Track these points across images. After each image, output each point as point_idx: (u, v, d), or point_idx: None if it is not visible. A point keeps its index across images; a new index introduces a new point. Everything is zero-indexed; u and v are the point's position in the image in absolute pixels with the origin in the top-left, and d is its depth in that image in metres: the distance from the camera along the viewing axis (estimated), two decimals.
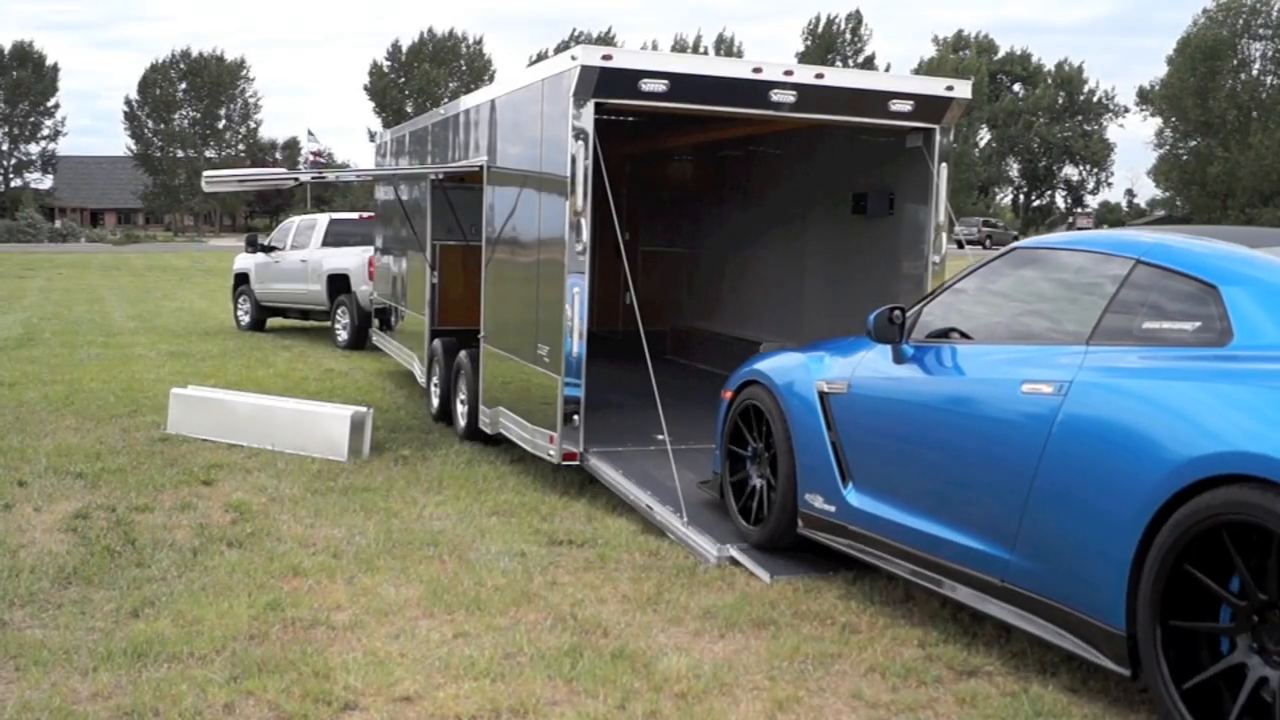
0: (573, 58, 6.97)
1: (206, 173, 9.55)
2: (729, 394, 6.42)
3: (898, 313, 5.13)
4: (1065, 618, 4.11)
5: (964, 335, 5.01)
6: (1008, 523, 4.36)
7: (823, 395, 5.55)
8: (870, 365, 5.34)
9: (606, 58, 6.93)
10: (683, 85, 7.07)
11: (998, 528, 4.42)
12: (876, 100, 7.45)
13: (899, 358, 5.15)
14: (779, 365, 6.00)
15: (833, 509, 5.44)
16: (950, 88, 7.57)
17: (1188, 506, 3.60)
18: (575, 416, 7.16)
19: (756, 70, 7.19)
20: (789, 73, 7.26)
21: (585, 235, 7.08)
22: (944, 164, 7.67)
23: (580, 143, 6.96)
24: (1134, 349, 4.11)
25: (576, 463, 7.26)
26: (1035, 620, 4.26)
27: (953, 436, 4.70)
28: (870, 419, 5.26)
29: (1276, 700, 3.38)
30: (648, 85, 6.98)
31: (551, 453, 7.27)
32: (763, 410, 5.99)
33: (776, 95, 7.23)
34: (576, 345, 7.10)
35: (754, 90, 7.20)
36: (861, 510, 5.25)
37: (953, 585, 4.70)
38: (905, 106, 7.46)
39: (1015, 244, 5.20)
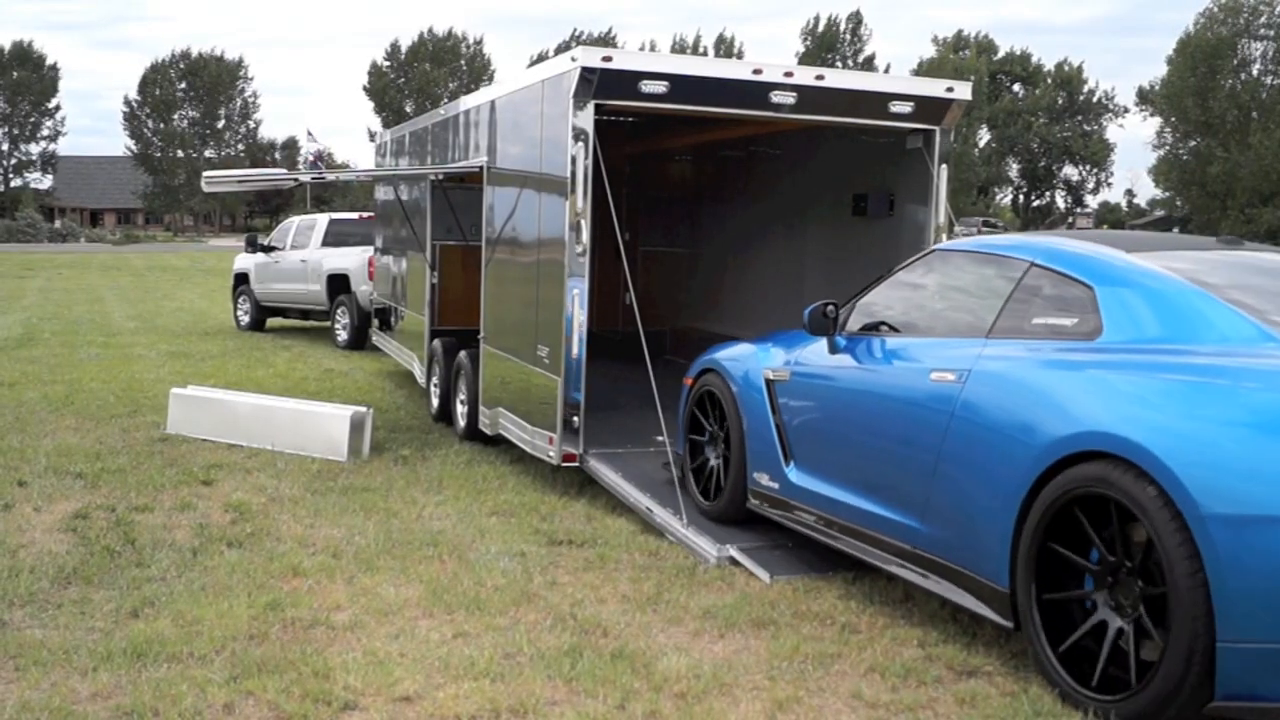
0: (573, 59, 6.97)
1: (206, 173, 9.54)
2: (689, 380, 6.89)
3: (831, 308, 5.64)
4: (963, 579, 4.64)
5: (893, 328, 5.47)
6: (918, 496, 4.87)
7: (769, 382, 6.05)
8: (809, 355, 5.83)
9: (606, 59, 6.93)
10: (682, 86, 7.07)
11: (911, 500, 4.93)
12: (876, 102, 7.46)
13: (833, 349, 5.66)
14: (732, 355, 6.51)
15: (777, 486, 5.94)
16: (950, 89, 7.57)
17: (1057, 479, 4.11)
18: (575, 418, 7.16)
19: (756, 72, 7.20)
20: (789, 74, 7.26)
21: (585, 237, 7.08)
22: (944, 165, 7.68)
23: (580, 144, 6.97)
24: (1024, 341, 4.62)
25: (576, 464, 7.26)
26: (940, 582, 4.77)
27: (875, 419, 5.22)
28: (808, 404, 5.80)
29: (1137, 639, 3.94)
30: (647, 86, 6.98)
31: (551, 454, 7.27)
32: (718, 396, 6.48)
33: (776, 97, 7.23)
34: (576, 347, 7.11)
35: (754, 92, 7.20)
36: (801, 487, 5.74)
37: (876, 554, 5.18)
38: (905, 108, 7.47)
39: (935, 246, 5.77)
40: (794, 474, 5.80)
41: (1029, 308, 4.73)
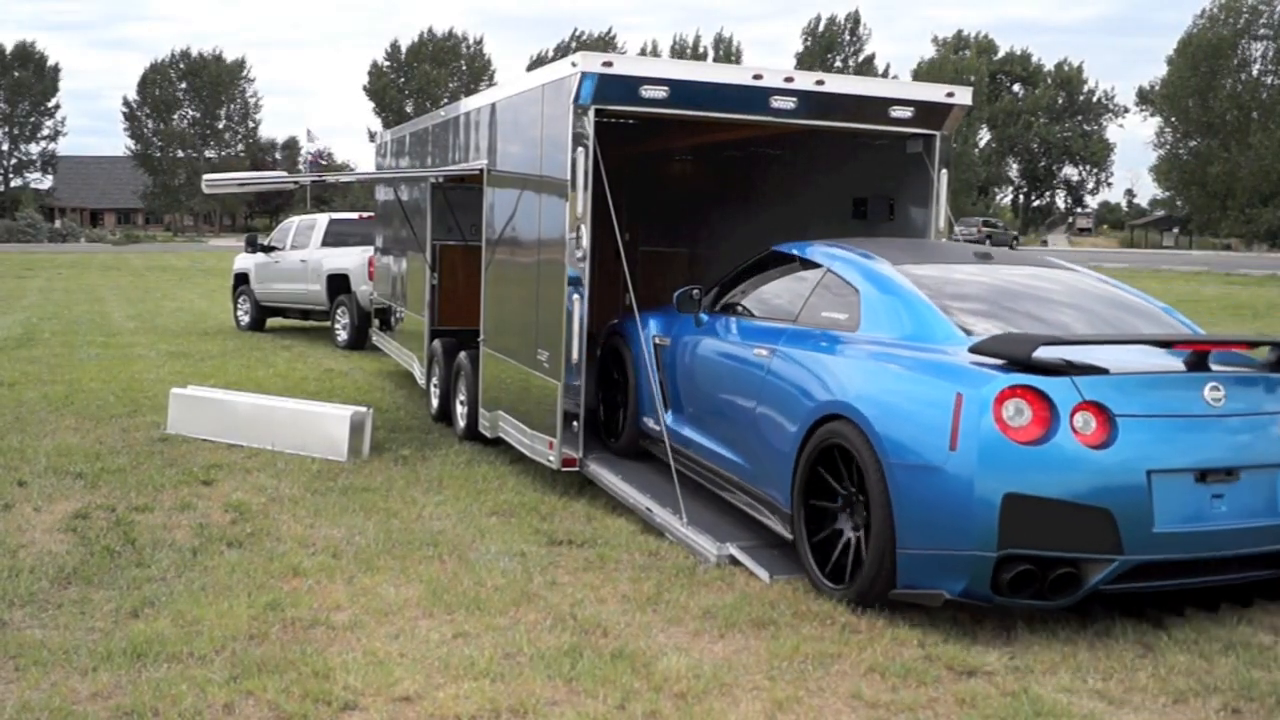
0: (573, 64, 6.97)
1: (206, 176, 9.50)
2: (602, 341, 8.26)
3: (696, 291, 6.99)
4: (767, 504, 5.97)
5: (743, 309, 6.77)
6: (744, 440, 6.22)
7: (656, 346, 7.44)
8: (684, 327, 7.17)
9: (607, 64, 6.93)
10: (682, 92, 7.07)
11: (740, 443, 6.27)
12: (877, 106, 7.46)
13: (697, 324, 7.00)
14: (631, 323, 7.74)
15: (658, 429, 7.22)
16: (951, 94, 7.57)
17: (818, 432, 5.46)
18: (575, 422, 7.17)
19: (757, 77, 7.19)
20: (789, 79, 7.26)
21: (585, 242, 7.09)
22: (944, 170, 7.68)
23: (580, 148, 6.97)
24: (814, 330, 5.95)
25: (576, 469, 7.27)
26: (755, 506, 6.13)
27: (720, 380, 6.57)
28: (680, 365, 7.13)
29: (860, 546, 5.25)
30: (648, 91, 6.99)
31: (551, 458, 7.27)
32: (621, 355, 7.87)
33: (777, 102, 7.23)
34: (576, 351, 7.11)
35: (754, 97, 7.20)
36: (674, 430, 7.08)
37: (720, 483, 6.49)
38: (906, 113, 7.46)
39: (773, 247, 6.95)
40: (670, 419, 7.14)
41: (821, 303, 6.08)
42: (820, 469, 5.47)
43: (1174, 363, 5.11)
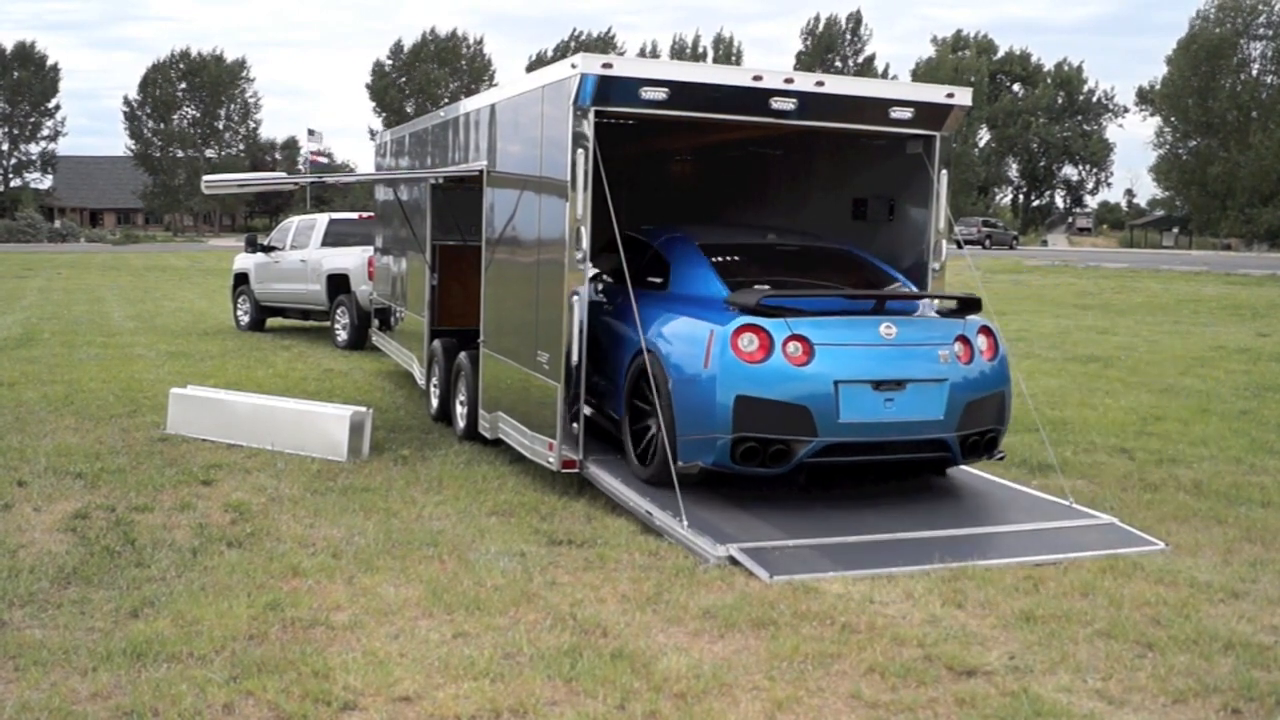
0: (573, 65, 6.96)
1: (206, 176, 9.49)
2: None
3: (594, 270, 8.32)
4: (612, 415, 7.79)
5: (608, 279, 8.32)
6: (602, 370, 7.94)
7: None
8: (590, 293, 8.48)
9: (607, 65, 6.93)
10: (683, 93, 7.07)
11: (600, 373, 7.95)
12: (877, 107, 7.46)
13: (595, 291, 8.36)
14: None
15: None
16: (950, 95, 7.57)
17: (636, 362, 7.24)
18: (575, 424, 7.17)
19: (757, 78, 7.19)
20: (789, 80, 7.26)
21: (585, 243, 7.09)
22: (944, 170, 7.67)
23: (580, 150, 6.97)
24: (642, 290, 7.49)
25: (576, 470, 7.27)
26: (608, 418, 7.87)
27: (591, 330, 7.77)
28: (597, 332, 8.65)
29: (656, 439, 6.99)
30: (648, 93, 6.99)
31: (550, 460, 7.27)
32: None
33: (777, 103, 7.23)
34: (576, 352, 7.12)
35: (754, 98, 7.20)
36: (587, 375, 8.43)
37: (600, 415, 8.07)
38: (906, 114, 7.46)
39: (624, 230, 7.97)
40: (584, 367, 8.48)
41: (648, 270, 7.86)
42: (641, 383, 7.22)
43: (864, 308, 7.01)
